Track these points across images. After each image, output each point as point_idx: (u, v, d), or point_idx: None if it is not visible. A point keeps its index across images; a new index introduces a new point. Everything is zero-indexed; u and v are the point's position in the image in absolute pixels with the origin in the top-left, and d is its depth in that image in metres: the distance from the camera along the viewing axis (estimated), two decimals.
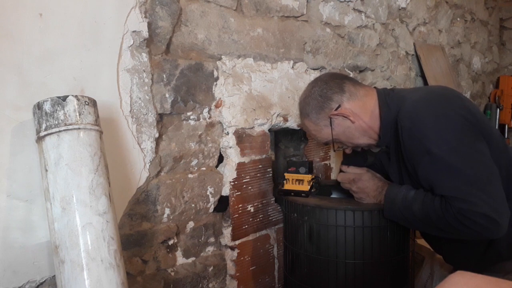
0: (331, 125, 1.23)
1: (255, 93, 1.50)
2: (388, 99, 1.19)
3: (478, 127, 1.06)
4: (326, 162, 1.89)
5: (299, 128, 1.69)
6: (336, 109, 1.21)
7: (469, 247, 1.18)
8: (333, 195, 1.39)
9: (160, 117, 1.22)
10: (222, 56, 1.39)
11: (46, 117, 0.88)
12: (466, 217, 1.00)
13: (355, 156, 1.36)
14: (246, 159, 1.47)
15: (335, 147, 1.30)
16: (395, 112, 1.14)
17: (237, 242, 1.45)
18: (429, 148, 1.04)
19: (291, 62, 1.66)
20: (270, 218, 1.58)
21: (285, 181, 1.41)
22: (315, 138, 1.33)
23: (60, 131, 0.88)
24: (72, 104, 0.90)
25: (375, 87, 1.27)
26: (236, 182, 1.44)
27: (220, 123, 1.40)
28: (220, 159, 1.42)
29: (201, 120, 1.34)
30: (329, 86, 1.24)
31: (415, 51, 2.61)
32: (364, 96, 1.23)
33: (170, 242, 1.27)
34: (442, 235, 1.12)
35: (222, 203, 1.42)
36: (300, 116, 1.33)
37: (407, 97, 1.15)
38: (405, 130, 1.09)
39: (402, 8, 2.44)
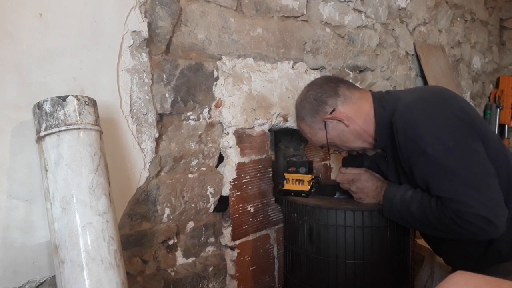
0: (325, 129, 1.23)
1: (255, 93, 1.50)
2: (383, 102, 1.19)
3: (473, 127, 1.06)
4: (326, 162, 1.89)
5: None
6: (330, 113, 1.21)
7: (469, 247, 1.17)
8: (337, 196, 1.38)
9: (160, 117, 1.22)
10: (222, 56, 1.39)
11: (46, 117, 0.88)
12: (462, 219, 1.00)
13: (354, 158, 1.36)
14: (246, 159, 1.47)
15: (330, 150, 1.31)
16: (390, 114, 1.14)
17: (237, 242, 1.45)
18: (424, 148, 1.04)
19: (291, 62, 1.66)
20: (270, 218, 1.58)
21: (285, 181, 1.42)
22: (311, 141, 1.33)
23: (60, 131, 0.88)
24: (72, 104, 0.90)
25: (370, 90, 1.27)
26: (236, 182, 1.44)
27: (220, 123, 1.40)
28: (220, 159, 1.42)
29: (201, 120, 1.34)
30: (323, 89, 1.24)
31: (415, 51, 2.61)
32: (359, 100, 1.23)
33: (170, 242, 1.27)
34: (440, 235, 1.12)
35: (222, 203, 1.42)
36: (296, 119, 1.34)
37: (402, 98, 1.15)
38: (400, 131, 1.09)
39: (402, 8, 2.44)
